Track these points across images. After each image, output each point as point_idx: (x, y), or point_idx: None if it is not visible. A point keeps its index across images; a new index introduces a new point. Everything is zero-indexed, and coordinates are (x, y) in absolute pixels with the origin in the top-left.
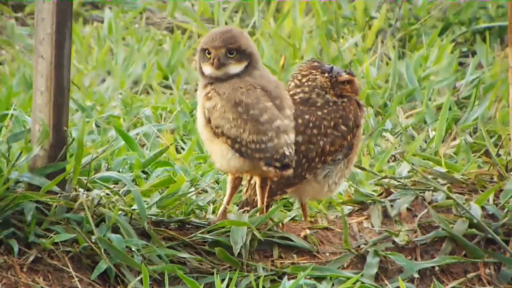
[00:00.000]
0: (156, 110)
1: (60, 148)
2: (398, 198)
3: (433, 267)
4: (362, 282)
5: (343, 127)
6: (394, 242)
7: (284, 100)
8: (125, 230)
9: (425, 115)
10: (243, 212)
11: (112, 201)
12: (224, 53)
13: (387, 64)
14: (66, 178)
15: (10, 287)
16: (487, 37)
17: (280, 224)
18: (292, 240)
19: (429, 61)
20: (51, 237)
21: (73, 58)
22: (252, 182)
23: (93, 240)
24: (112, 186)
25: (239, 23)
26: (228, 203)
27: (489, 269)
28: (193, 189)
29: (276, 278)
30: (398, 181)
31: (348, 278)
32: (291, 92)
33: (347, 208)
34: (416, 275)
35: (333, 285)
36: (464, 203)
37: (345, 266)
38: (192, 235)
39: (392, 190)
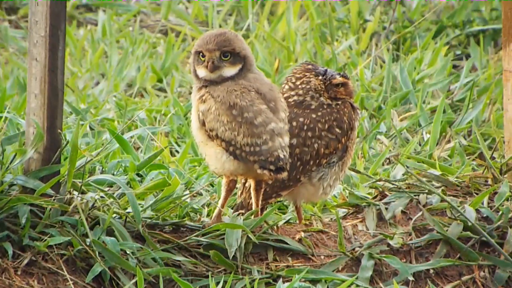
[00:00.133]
0: (150, 113)
1: (54, 151)
2: (393, 201)
3: (428, 270)
4: (357, 285)
5: (337, 130)
6: (388, 245)
7: (278, 103)
8: (119, 233)
9: (420, 118)
10: (238, 215)
11: (106, 204)
12: (218, 56)
13: (381, 66)
14: (60, 181)
15: None
16: (481, 39)
17: (275, 227)
18: (287, 243)
19: (423, 64)
20: (45, 240)
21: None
22: (246, 185)
23: (87, 243)
24: (106, 189)
25: (233, 25)
26: (222, 206)
27: (484, 271)
28: (187, 192)
29: (271, 281)
30: (393, 184)
31: (343, 281)
32: (285, 95)
33: (341, 211)
34: (411, 278)
35: (328, 287)
36: (458, 206)
37: (340, 269)
38: (187, 238)
39: (386, 193)
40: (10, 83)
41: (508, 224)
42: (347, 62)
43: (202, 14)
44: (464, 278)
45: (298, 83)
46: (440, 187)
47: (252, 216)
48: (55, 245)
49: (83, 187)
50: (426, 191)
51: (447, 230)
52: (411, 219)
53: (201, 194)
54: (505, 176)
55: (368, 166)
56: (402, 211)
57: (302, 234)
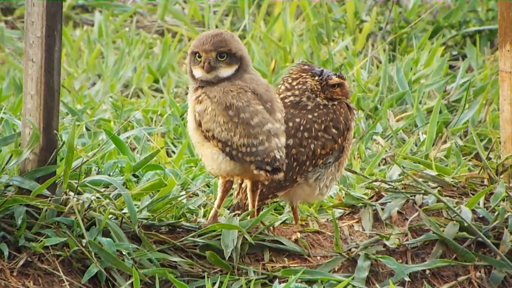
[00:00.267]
0: (146, 113)
1: (50, 151)
2: (389, 202)
3: (424, 270)
4: (353, 286)
5: (333, 130)
6: (385, 245)
7: (275, 104)
8: (115, 233)
9: (416, 118)
10: (234, 215)
11: (102, 205)
12: (215, 57)
13: (378, 67)
14: (56, 181)
15: None
16: (477, 40)
17: (271, 228)
18: (283, 244)
19: (420, 64)
20: (41, 241)
21: (63, 62)
22: (243, 185)
23: (83, 244)
24: (102, 189)
25: (229, 26)
26: (219, 207)
27: (480, 272)
28: (183, 192)
29: (267, 281)
30: (389, 185)
31: (339, 282)
32: (281, 96)
33: (338, 212)
34: (407, 279)
35: None
36: (454, 206)
37: (336, 269)
38: (183, 238)
39: (383, 193)
40: (6, 84)
41: (504, 224)
42: (343, 63)
43: (199, 15)
44: (460, 278)
45: (294, 83)
46: (436, 187)
47: (248, 217)
48: (51, 246)
49: (79, 188)
50: (422, 191)
51: (443, 231)
52: (407, 219)
53: (197, 195)
54: (501, 176)
55: (364, 166)
56: (398, 212)
57: (298, 234)
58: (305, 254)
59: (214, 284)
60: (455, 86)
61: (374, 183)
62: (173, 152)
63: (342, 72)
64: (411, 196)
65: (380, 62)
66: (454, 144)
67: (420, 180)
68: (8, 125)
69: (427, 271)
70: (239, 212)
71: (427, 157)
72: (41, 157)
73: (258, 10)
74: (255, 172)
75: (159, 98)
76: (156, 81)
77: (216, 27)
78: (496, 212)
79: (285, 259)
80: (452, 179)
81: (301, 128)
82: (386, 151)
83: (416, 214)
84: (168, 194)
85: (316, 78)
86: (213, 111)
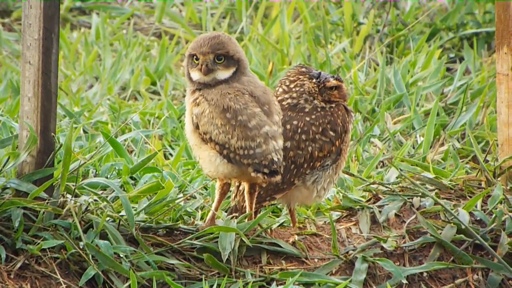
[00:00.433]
0: (144, 116)
1: (47, 154)
2: (386, 204)
3: (421, 273)
4: None
5: (331, 133)
6: (382, 248)
7: (272, 106)
8: (113, 236)
9: (413, 121)
10: (232, 218)
11: (100, 207)
12: (212, 59)
13: (375, 69)
14: (53, 184)
15: None
16: (474, 43)
17: (269, 230)
18: (280, 246)
19: (417, 67)
20: (38, 243)
21: (61, 64)
22: (240, 188)
23: (81, 247)
24: (100, 192)
25: (227, 28)
26: (216, 209)
27: (477, 274)
28: (181, 195)
29: (265, 284)
30: (386, 187)
31: (337, 284)
32: (279, 98)
33: (335, 214)
34: (404, 281)
35: None
36: (452, 209)
37: (333, 272)
38: (181, 241)
39: (380, 196)
40: (3, 86)
41: (501, 227)
42: (341, 65)
43: (196, 17)
44: (457, 281)
45: (292, 86)
46: (434, 190)
47: (246, 219)
48: (48, 248)
49: (76, 191)
50: (420, 194)
51: (440, 233)
52: (405, 222)
53: (195, 197)
54: (499, 179)
55: (362, 169)
56: (395, 214)
57: (296, 237)
58: (303, 257)
59: (211, 286)
60: (453, 88)
61: (372, 185)
62: (171, 154)
63: (339, 75)
64: (408, 198)
65: (378, 65)
66: (451, 147)
67: (418, 182)
68: (5, 128)
69: (425, 274)
70: (237, 214)
71: (424, 159)
72: (38, 159)
73: (256, 12)
74: (252, 174)
75: (157, 100)
76: (154, 83)
77: (214, 29)
78: (494, 215)
79: (283, 261)
80: (449, 182)
81: (299, 130)
82: (383, 153)
83: (414, 216)
84: (166, 196)
85: (314, 80)
86: (210, 113)
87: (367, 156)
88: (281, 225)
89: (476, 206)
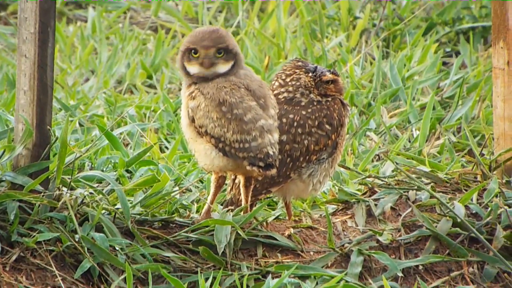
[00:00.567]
0: (140, 109)
1: (43, 147)
2: (382, 197)
3: (417, 266)
4: (346, 281)
5: (327, 126)
6: (378, 241)
7: (268, 100)
8: (108, 229)
9: (409, 115)
10: (227, 211)
11: (95, 200)
12: (213, 53)
13: (371, 63)
14: (49, 177)
15: None
16: (470, 37)
17: (264, 223)
18: (276, 239)
19: (413, 61)
20: (34, 236)
21: (57, 58)
22: (236, 181)
23: (76, 239)
24: (95, 185)
25: (223, 22)
26: (212, 202)
27: (473, 267)
28: (177, 188)
29: (260, 277)
30: (382, 180)
31: (332, 277)
32: (275, 92)
33: (331, 207)
34: (400, 274)
35: (317, 284)
36: (447, 202)
37: (329, 265)
38: (176, 234)
39: (376, 189)
40: None
41: (497, 220)
42: (337, 59)
43: (192, 11)
44: (453, 274)
45: (288, 80)
46: (430, 183)
47: (242, 212)
48: (44, 241)
49: (72, 183)
50: (416, 187)
51: (436, 227)
52: (400, 215)
53: (190, 190)
54: (494, 172)
55: (358, 162)
56: (391, 208)
57: (292, 230)
58: (298, 250)
59: (207, 279)
60: (449, 82)
61: (368, 179)
62: (166, 147)
63: (335, 69)
64: (404, 192)
65: (374, 59)
66: (447, 140)
67: (413, 176)
68: (1, 121)
69: (420, 267)
70: (232, 207)
71: (420, 153)
72: (34, 152)
73: (252, 6)
74: (247, 168)
75: (153, 94)
76: (150, 77)
77: (210, 23)
78: (489, 208)
79: (278, 254)
80: (445, 175)
81: (295, 124)
82: (379, 147)
83: (409, 210)
84: (161, 189)
85: (310, 74)
86: (206, 107)
87: (363, 150)
88: (276, 218)
89: (471, 200)
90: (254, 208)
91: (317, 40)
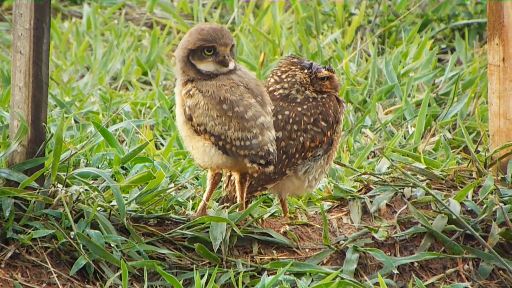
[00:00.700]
0: (135, 106)
1: (38, 144)
2: (378, 194)
3: (412, 263)
4: (342, 278)
5: (323, 123)
6: (373, 238)
7: (265, 97)
8: (104, 226)
9: (405, 112)
10: (223, 208)
11: (91, 197)
12: (229, 50)
13: (367, 60)
14: (44, 174)
15: None
16: (466, 33)
17: (260, 220)
18: (271, 236)
19: (408, 58)
20: (29, 233)
21: (52, 54)
22: (231, 178)
23: (71, 236)
24: (91, 182)
25: (218, 19)
26: (207, 199)
27: (468, 264)
28: (172, 185)
29: (256, 274)
30: (378, 177)
31: (328, 274)
32: (270, 88)
33: (326, 204)
34: (395, 271)
35: (312, 281)
36: (443, 199)
37: (324, 262)
38: (172, 231)
39: (371, 186)
40: None
41: (492, 217)
42: (332, 56)
43: (188, 8)
44: (448, 271)
45: (283, 76)
46: (425, 180)
47: (237, 209)
48: (39, 238)
49: (67, 180)
50: (411, 184)
51: (431, 223)
52: (396, 212)
53: (186, 187)
54: (490, 169)
55: (353, 159)
56: (386, 205)
57: (287, 227)
58: (294, 247)
59: (202, 276)
60: (444, 79)
61: (363, 176)
62: (162, 144)
63: (331, 65)
64: (399, 189)
65: (369, 55)
66: (442, 137)
67: (409, 173)
68: None
69: (416, 264)
70: (228, 204)
71: (415, 150)
72: (29, 149)
73: (247, 3)
74: (248, 165)
75: (148, 90)
76: (145, 73)
77: (205, 20)
78: (485, 205)
79: (274, 251)
80: (440, 172)
81: (290, 120)
82: (374, 144)
83: (405, 207)
84: (157, 186)
85: (306, 71)
86: (205, 105)
87: (359, 147)
88: (272, 215)
89: (467, 197)
90: (249, 205)
91: (313, 36)
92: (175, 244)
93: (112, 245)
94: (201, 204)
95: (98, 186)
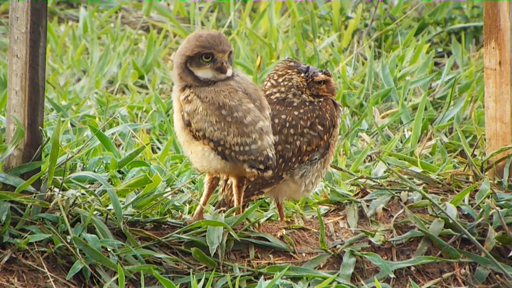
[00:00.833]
0: (132, 109)
1: (35, 147)
2: (374, 198)
3: (409, 267)
4: (338, 282)
5: (319, 127)
6: (370, 242)
7: (263, 101)
8: (100, 230)
9: (401, 115)
10: (219, 212)
11: (87, 201)
12: (227, 56)
13: (363, 64)
14: (41, 178)
15: None
16: (462, 37)
17: (257, 224)
18: (268, 240)
19: (405, 61)
20: (25, 237)
21: (48, 57)
22: (228, 182)
23: (68, 240)
24: (87, 186)
25: (215, 22)
26: (204, 204)
27: (465, 269)
28: (169, 189)
29: (253, 278)
30: (374, 181)
31: (324, 278)
32: (267, 92)
33: (323, 208)
34: (392, 275)
35: (309, 285)
36: (439, 203)
37: (321, 266)
38: (168, 235)
39: (368, 190)
40: None
41: (488, 221)
42: (329, 59)
43: (184, 11)
44: (445, 275)
45: (280, 80)
46: (422, 184)
47: (234, 213)
48: (36, 242)
49: (64, 184)
50: (408, 188)
51: (428, 228)
52: (393, 216)
53: (182, 191)
54: (486, 173)
55: (350, 163)
56: (383, 209)
57: (284, 231)
58: (290, 251)
59: (199, 280)
60: (440, 83)
61: (360, 180)
62: (159, 148)
63: (327, 69)
64: (396, 193)
65: (366, 59)
66: (439, 141)
67: (405, 177)
68: None
69: (412, 268)
70: (225, 208)
71: (412, 154)
72: (25, 153)
73: (244, 6)
74: (247, 170)
75: (144, 94)
76: (141, 77)
77: (202, 23)
78: (481, 209)
79: (271, 255)
80: (437, 176)
81: (287, 124)
82: (371, 148)
83: (401, 211)
84: (153, 190)
85: (302, 74)
86: (204, 110)
87: (355, 150)
88: (269, 219)
89: (463, 201)
90: (246, 209)
91: (309, 40)
92: (172, 248)
93: (109, 249)
94: (198, 208)
95: (94, 190)
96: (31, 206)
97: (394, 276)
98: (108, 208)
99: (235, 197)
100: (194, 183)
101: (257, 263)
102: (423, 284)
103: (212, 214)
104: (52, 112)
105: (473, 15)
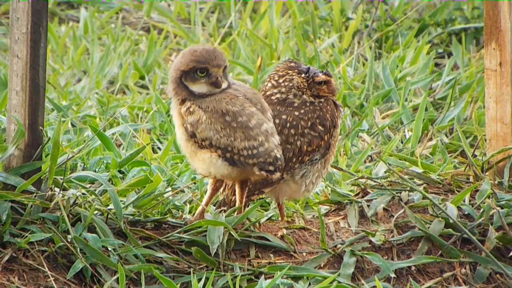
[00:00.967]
0: (132, 109)
1: (35, 147)
2: (375, 198)
3: (410, 266)
4: (339, 282)
5: (320, 127)
6: (370, 242)
7: (264, 104)
8: (101, 229)
9: (402, 116)
10: (220, 212)
11: (88, 201)
12: (222, 71)
13: (364, 64)
14: (41, 177)
15: None
16: (463, 38)
17: (257, 224)
18: (269, 240)
19: (406, 62)
20: (26, 236)
21: (49, 58)
22: (229, 182)
23: (69, 240)
24: (88, 185)
25: (215, 23)
26: (206, 205)
27: (465, 268)
28: (169, 189)
29: (253, 277)
30: (375, 181)
31: (325, 278)
32: (268, 93)
33: (324, 208)
34: (393, 275)
35: (309, 284)
36: (440, 203)
37: (321, 265)
38: (169, 234)
39: (368, 190)
40: None
41: (489, 221)
42: (329, 60)
43: (185, 12)
44: (445, 275)
45: (281, 81)
46: (422, 184)
47: (235, 213)
48: (36, 241)
49: (64, 184)
50: (408, 188)
51: (428, 227)
52: (393, 216)
53: (183, 191)
54: (487, 173)
55: (350, 163)
56: (384, 208)
57: (284, 231)
58: (291, 251)
59: (199, 280)
60: (441, 83)
61: (360, 180)
62: (159, 148)
63: (328, 70)
64: (396, 193)
65: (366, 60)
66: (439, 142)
67: (406, 177)
68: None
69: (413, 268)
70: (225, 208)
71: (412, 154)
72: (26, 153)
73: (244, 7)
74: (257, 173)
75: (145, 94)
76: (142, 77)
77: (202, 24)
78: (482, 209)
79: (271, 255)
80: (437, 176)
81: (288, 125)
82: (372, 148)
83: (402, 211)
84: (154, 190)
85: (303, 75)
86: (208, 119)
87: (356, 151)
88: (269, 219)
89: (464, 201)
90: (247, 209)
91: (310, 41)
92: (173, 247)
93: (109, 249)
94: (199, 208)
95: (95, 190)
96: (31, 206)
97: (395, 276)
98: (109, 207)
99: (237, 197)
100: (195, 183)
101: (258, 263)
102: (423, 284)
103: (213, 213)
104: (52, 112)
105: (473, 16)
